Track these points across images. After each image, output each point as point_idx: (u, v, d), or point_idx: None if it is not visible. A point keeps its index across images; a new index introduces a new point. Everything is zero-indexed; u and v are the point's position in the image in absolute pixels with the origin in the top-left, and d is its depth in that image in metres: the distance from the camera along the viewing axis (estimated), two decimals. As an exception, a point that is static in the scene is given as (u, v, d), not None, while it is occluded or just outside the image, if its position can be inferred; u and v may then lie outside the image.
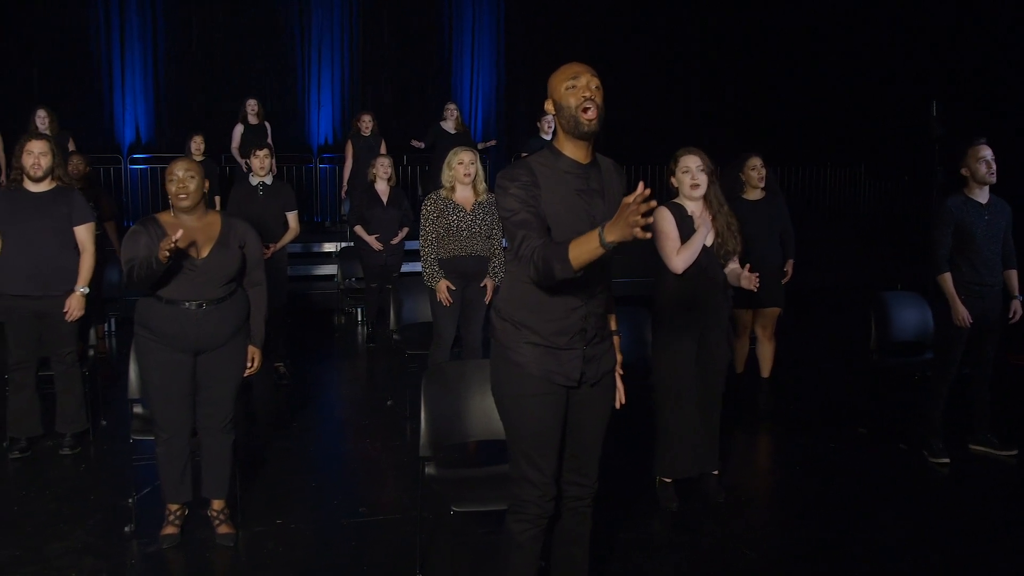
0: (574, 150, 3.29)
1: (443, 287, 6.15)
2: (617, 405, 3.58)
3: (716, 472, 5.27)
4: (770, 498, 5.57)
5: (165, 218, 4.47)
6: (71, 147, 10.15)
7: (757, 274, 4.88)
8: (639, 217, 2.71)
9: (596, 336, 3.41)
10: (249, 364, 4.65)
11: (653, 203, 2.73)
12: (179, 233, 4.01)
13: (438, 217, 6.15)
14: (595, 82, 3.23)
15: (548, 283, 3.16)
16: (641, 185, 2.74)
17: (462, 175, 6.13)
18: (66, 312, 5.76)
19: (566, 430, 3.44)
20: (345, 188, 11.57)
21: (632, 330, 5.79)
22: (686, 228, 4.94)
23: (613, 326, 3.61)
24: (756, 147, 6.85)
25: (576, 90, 3.20)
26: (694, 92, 15.92)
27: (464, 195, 6.19)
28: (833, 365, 8.65)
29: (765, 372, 7.00)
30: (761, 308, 6.77)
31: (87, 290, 5.84)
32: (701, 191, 4.94)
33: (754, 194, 6.58)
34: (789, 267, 6.92)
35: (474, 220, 6.16)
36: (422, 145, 11.70)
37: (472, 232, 6.14)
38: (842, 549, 4.70)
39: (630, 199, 2.74)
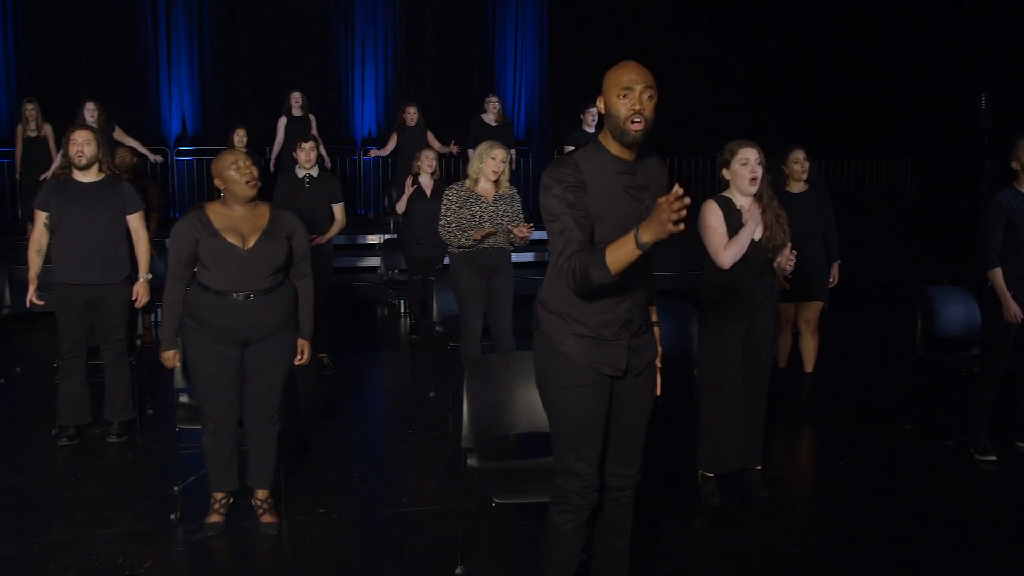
0: (620, 148, 3.28)
1: (479, 232, 6.10)
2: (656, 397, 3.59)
3: (759, 467, 5.24)
4: (813, 493, 5.54)
5: (215, 208, 4.52)
6: (120, 138, 10.28)
7: (794, 252, 4.85)
8: (670, 223, 2.75)
9: (640, 327, 3.42)
10: (299, 356, 4.70)
11: (687, 200, 2.74)
12: None
13: (459, 208, 6.14)
14: (648, 92, 3.19)
15: (586, 291, 3.19)
16: (677, 186, 2.77)
17: (490, 171, 6.13)
18: (135, 299, 5.94)
19: (609, 421, 3.45)
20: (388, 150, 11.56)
21: (675, 324, 5.76)
22: (734, 222, 4.90)
23: (654, 317, 3.60)
24: (799, 140, 6.78)
25: (628, 100, 3.18)
26: (737, 84, 15.77)
27: (486, 187, 6.19)
28: (878, 360, 8.57)
29: (808, 367, 6.94)
30: (804, 302, 6.72)
31: (150, 276, 5.95)
32: (758, 185, 4.89)
33: (797, 187, 6.52)
34: (835, 271, 6.83)
35: (496, 211, 6.16)
36: (456, 150, 11.65)
37: (494, 224, 6.14)
38: (885, 545, 4.66)
39: (664, 200, 2.76)
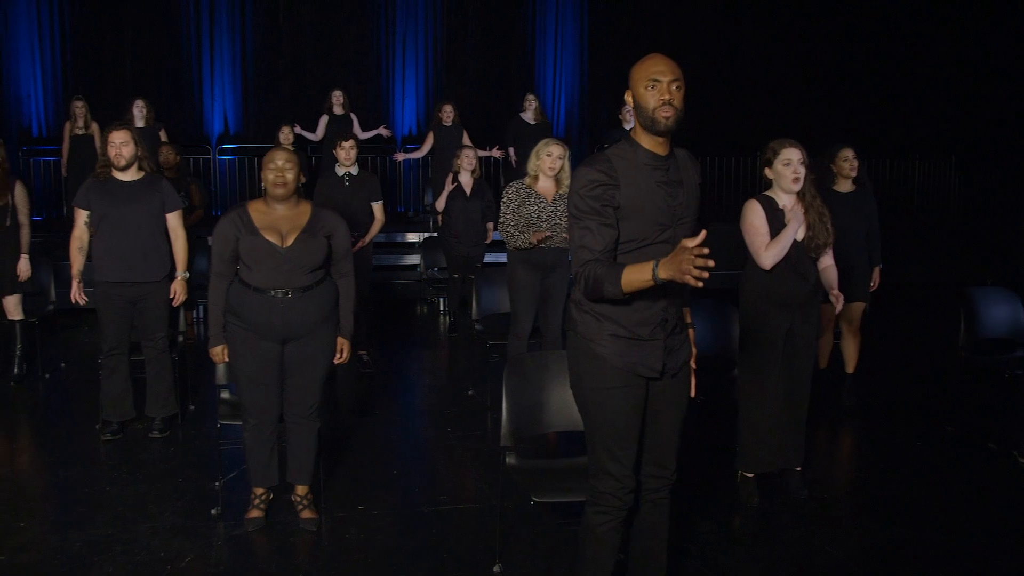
0: (652, 143, 3.28)
1: (536, 236, 6.04)
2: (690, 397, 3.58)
3: (799, 468, 5.21)
4: (853, 495, 5.48)
5: (256, 206, 4.57)
6: (163, 138, 10.39)
7: (841, 300, 4.92)
8: (693, 267, 2.76)
9: (676, 327, 3.41)
10: (338, 355, 4.72)
11: (707, 251, 2.76)
12: None
13: (519, 206, 6.14)
14: (676, 82, 3.20)
15: (594, 299, 3.22)
16: (704, 233, 2.82)
17: (547, 167, 6.11)
18: (172, 297, 6.01)
19: (644, 422, 3.44)
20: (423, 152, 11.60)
21: (714, 323, 5.74)
22: (777, 221, 4.87)
23: (688, 319, 3.59)
24: (842, 138, 6.73)
25: (656, 91, 3.19)
26: (780, 81, 15.67)
27: (546, 186, 6.18)
28: (920, 362, 8.48)
29: (850, 368, 6.89)
30: (846, 303, 6.66)
31: (188, 274, 6.02)
32: (800, 185, 4.85)
33: (844, 186, 6.46)
34: (876, 275, 6.77)
35: (555, 211, 6.13)
36: (499, 154, 11.66)
37: (552, 223, 6.12)
38: (926, 549, 4.61)
39: (689, 243, 2.79)
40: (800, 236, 4.84)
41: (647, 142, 3.28)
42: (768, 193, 4.97)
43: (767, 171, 4.95)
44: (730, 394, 5.32)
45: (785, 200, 4.90)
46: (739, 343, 5.19)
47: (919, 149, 15.69)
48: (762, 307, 4.94)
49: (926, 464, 5.82)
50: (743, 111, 15.32)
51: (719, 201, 13.88)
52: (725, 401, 5.47)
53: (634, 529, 3.61)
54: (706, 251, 2.77)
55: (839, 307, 4.95)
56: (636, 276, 3.03)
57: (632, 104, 3.29)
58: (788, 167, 4.84)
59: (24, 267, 7.15)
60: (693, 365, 3.58)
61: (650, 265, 2.97)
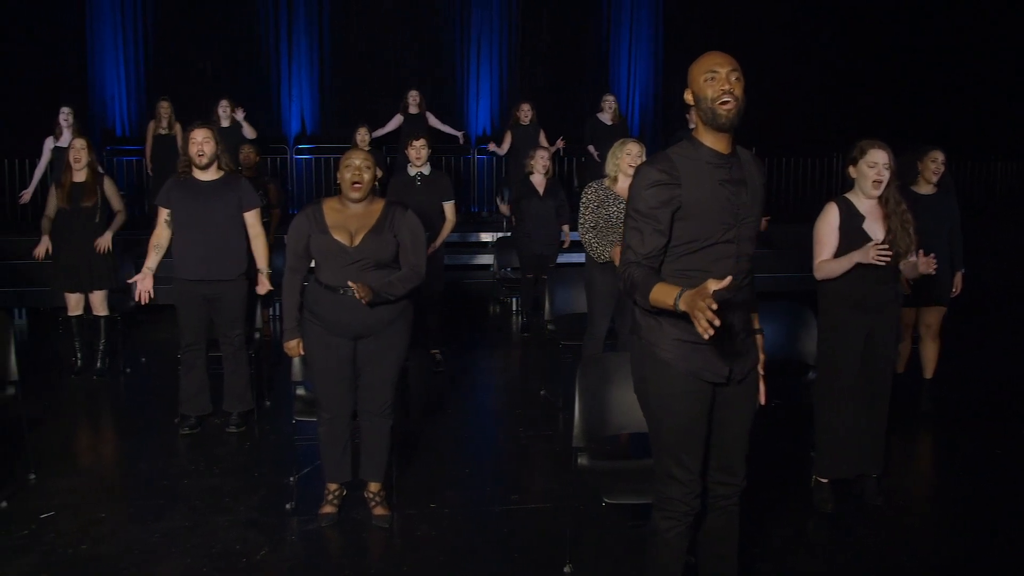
0: (714, 141, 3.25)
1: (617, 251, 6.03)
2: (758, 404, 3.54)
3: (875, 475, 5.12)
4: (930, 503, 5.37)
5: (330, 203, 4.62)
6: (249, 131, 10.56)
7: (933, 255, 4.71)
8: (706, 311, 2.75)
9: (742, 331, 3.37)
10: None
11: (715, 318, 2.76)
12: None
13: (598, 207, 6.11)
14: (735, 74, 3.18)
15: (626, 296, 3.25)
16: (729, 279, 2.82)
17: (626, 166, 6.08)
18: (256, 289, 6.15)
19: (711, 428, 3.40)
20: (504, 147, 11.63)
21: (787, 326, 5.67)
22: (853, 225, 4.78)
23: (756, 324, 3.55)
24: (924, 139, 6.59)
25: (715, 82, 3.16)
26: (859, 81, 15.42)
27: (625, 186, 6.14)
28: (1000, 367, 8.27)
29: (928, 373, 6.76)
30: (926, 307, 6.54)
31: (270, 270, 6.10)
32: (881, 190, 4.76)
33: (926, 188, 6.32)
34: (958, 280, 6.62)
35: None
36: (561, 144, 11.64)
37: None
38: (1006, 558, 4.50)
39: (712, 285, 2.79)
40: (880, 237, 4.74)
41: (709, 140, 3.25)
42: (848, 195, 4.88)
43: (851, 169, 4.85)
44: (805, 398, 5.25)
45: (866, 204, 4.81)
46: (817, 346, 5.11)
47: (1001, 150, 15.34)
48: (841, 310, 4.85)
49: (1006, 472, 5.68)
50: (820, 110, 15.10)
51: (792, 203, 13.73)
52: (800, 405, 5.40)
53: (703, 534, 3.58)
54: (715, 306, 2.76)
55: (923, 265, 4.76)
56: (662, 297, 3.03)
57: (692, 101, 3.26)
58: (872, 169, 4.74)
59: (104, 241, 7.37)
60: (761, 371, 3.54)
61: (676, 292, 2.97)
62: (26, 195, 10.21)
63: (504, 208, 9.14)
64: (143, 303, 5.97)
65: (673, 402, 3.31)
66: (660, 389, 3.32)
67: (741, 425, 3.45)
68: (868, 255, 4.60)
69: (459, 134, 12.62)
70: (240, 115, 10.82)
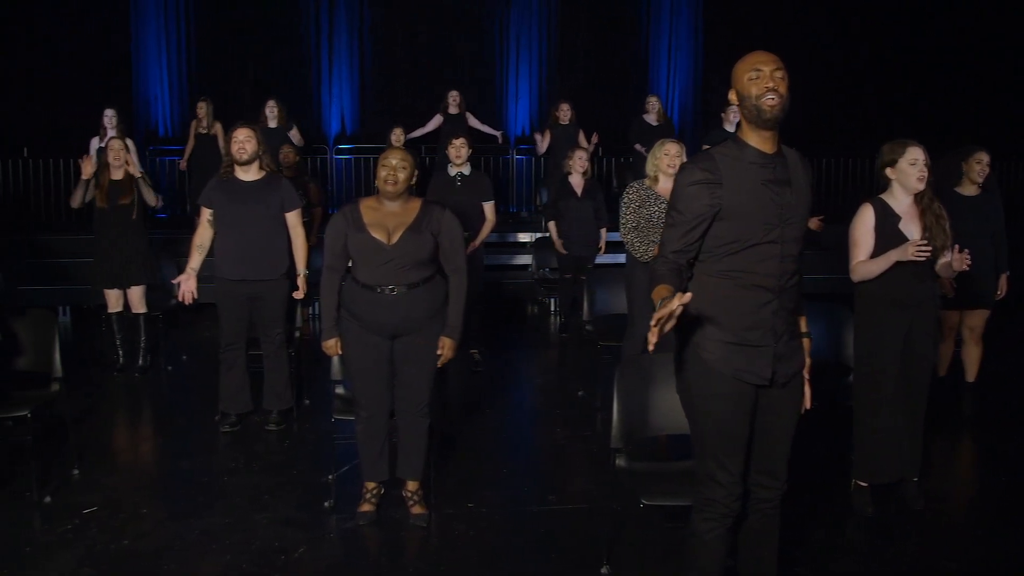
0: (759, 140, 3.23)
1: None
2: (803, 409, 3.50)
3: (916, 478, 5.06)
4: (972, 507, 5.30)
5: (367, 203, 4.63)
6: (296, 139, 10.62)
7: (967, 251, 4.65)
8: (654, 329, 2.84)
9: (786, 334, 3.33)
10: (439, 350, 4.74)
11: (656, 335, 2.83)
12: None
13: (639, 207, 6.09)
14: (779, 72, 3.17)
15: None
16: (688, 296, 2.86)
17: (666, 166, 6.06)
18: (293, 294, 6.15)
19: (754, 431, 3.38)
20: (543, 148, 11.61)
21: (828, 327, 5.62)
22: (889, 226, 4.74)
23: (803, 328, 3.52)
24: (965, 139, 6.50)
25: (759, 80, 3.15)
26: (902, 81, 15.25)
27: (666, 186, 6.12)
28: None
29: (970, 376, 6.67)
30: (970, 309, 6.46)
31: (307, 271, 6.14)
32: (925, 184, 4.71)
33: (970, 189, 6.24)
34: (1003, 283, 6.53)
35: None
36: (596, 139, 11.61)
37: None
38: (1054, 565, 4.44)
39: (675, 302, 2.83)
40: (917, 237, 4.69)
41: (754, 140, 3.23)
42: (883, 196, 4.84)
43: (888, 171, 4.81)
44: (845, 400, 5.20)
45: (903, 204, 4.77)
46: (855, 348, 5.06)
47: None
48: (878, 309, 4.81)
49: (1052, 477, 5.60)
50: (860, 111, 14.96)
51: (831, 203, 13.61)
52: (840, 407, 5.35)
53: (744, 537, 3.56)
54: (668, 326, 2.84)
55: (957, 261, 4.70)
56: (655, 297, 3.08)
57: (736, 100, 3.25)
58: (914, 166, 4.70)
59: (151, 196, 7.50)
60: (806, 375, 3.51)
61: (662, 296, 3.02)
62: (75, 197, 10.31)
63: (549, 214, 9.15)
64: (187, 303, 6.00)
65: (715, 403, 3.29)
66: (702, 390, 3.31)
67: (784, 429, 3.42)
68: (907, 252, 4.57)
69: (497, 133, 12.65)
70: (295, 134, 10.84)
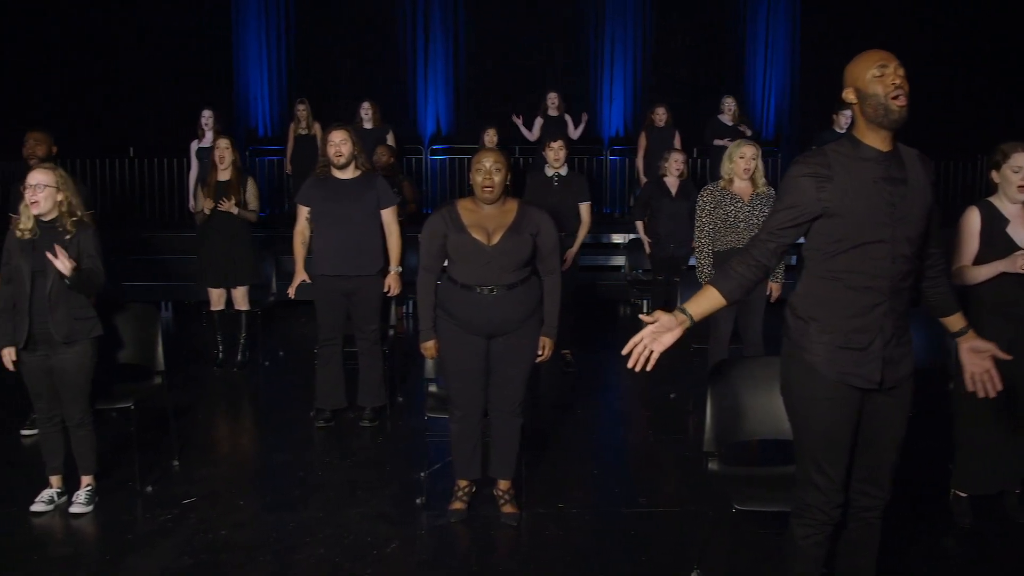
0: (875, 139, 3.16)
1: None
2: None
3: (1018, 490, 4.92)
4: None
5: (465, 204, 4.67)
6: (390, 140, 10.73)
7: None
8: (641, 349, 3.11)
9: (894, 336, 3.24)
10: (540, 351, 4.77)
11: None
12: None
13: (715, 208, 6.05)
14: (902, 71, 3.12)
15: None
16: (657, 313, 3.11)
17: (741, 169, 6.02)
18: (387, 290, 6.23)
19: (858, 437, 3.31)
20: (642, 180, 11.57)
21: (929, 332, 5.48)
22: (996, 230, 4.60)
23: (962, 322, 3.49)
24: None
25: (885, 78, 3.09)
26: (1006, 81, 14.82)
27: (741, 187, 6.08)
28: None
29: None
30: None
31: (401, 268, 6.20)
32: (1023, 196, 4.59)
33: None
34: None
35: (751, 211, 6.01)
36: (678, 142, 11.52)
37: (749, 224, 5.98)
38: None
39: (648, 319, 3.17)
40: (1025, 244, 4.55)
41: (871, 138, 3.17)
42: (991, 199, 4.71)
43: (993, 174, 4.68)
44: (946, 407, 5.08)
45: (1011, 208, 4.63)
46: (956, 354, 4.93)
47: None
48: (982, 316, 4.67)
49: None
50: (962, 112, 14.58)
51: (940, 205, 13.29)
52: (940, 415, 5.22)
53: (842, 546, 3.49)
54: (657, 348, 3.09)
55: None
56: (694, 298, 3.31)
57: (856, 100, 3.18)
58: (1017, 174, 4.56)
59: (229, 204, 7.50)
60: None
61: (716, 298, 3.24)
62: (192, 203, 10.50)
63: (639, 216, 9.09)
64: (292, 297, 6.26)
65: (818, 407, 3.24)
66: (805, 393, 3.26)
67: (891, 437, 3.34)
68: (1016, 264, 4.44)
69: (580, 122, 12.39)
70: (389, 137, 10.94)
